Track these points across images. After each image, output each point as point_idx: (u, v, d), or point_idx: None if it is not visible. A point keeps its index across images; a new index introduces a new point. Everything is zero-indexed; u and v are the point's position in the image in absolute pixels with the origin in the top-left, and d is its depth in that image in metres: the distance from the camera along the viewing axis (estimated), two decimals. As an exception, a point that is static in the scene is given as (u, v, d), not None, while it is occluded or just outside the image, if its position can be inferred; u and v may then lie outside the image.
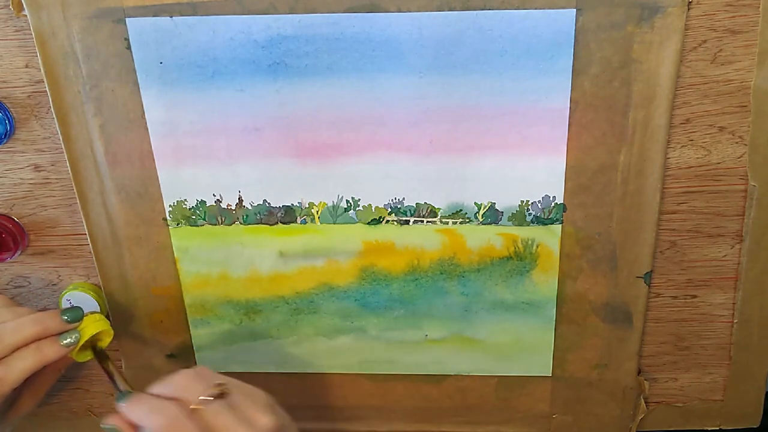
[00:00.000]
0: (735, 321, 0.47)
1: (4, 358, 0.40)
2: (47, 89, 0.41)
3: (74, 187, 0.44)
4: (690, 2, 0.38)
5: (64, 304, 0.48)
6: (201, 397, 0.37)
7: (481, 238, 0.45)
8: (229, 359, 0.50)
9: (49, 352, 0.41)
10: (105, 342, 0.45)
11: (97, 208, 0.45)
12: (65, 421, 0.54)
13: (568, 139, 0.41)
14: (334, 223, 0.45)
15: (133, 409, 0.37)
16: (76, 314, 0.43)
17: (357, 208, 0.44)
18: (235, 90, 0.41)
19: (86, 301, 0.48)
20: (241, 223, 0.45)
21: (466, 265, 0.46)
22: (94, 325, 0.43)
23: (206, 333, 0.49)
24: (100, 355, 0.44)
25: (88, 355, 0.45)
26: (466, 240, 0.45)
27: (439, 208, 0.44)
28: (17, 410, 0.45)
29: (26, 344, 0.41)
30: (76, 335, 0.42)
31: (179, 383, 0.38)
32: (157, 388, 0.38)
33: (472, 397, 0.51)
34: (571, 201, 0.43)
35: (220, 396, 0.38)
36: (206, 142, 0.43)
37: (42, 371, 0.45)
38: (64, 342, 0.42)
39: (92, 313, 0.44)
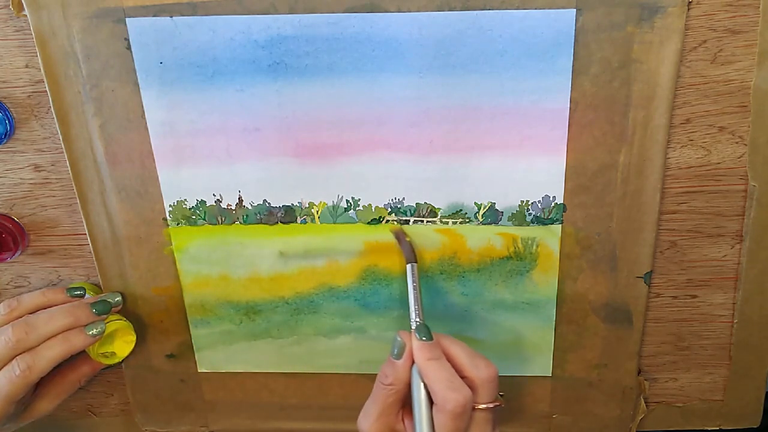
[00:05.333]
0: (735, 321, 0.47)
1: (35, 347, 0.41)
2: (47, 89, 0.41)
3: (74, 187, 0.44)
4: (690, 2, 0.38)
5: None
6: (489, 404, 0.37)
7: (481, 238, 0.45)
8: (229, 359, 0.50)
9: (77, 341, 0.42)
10: (124, 349, 0.46)
11: (97, 208, 0.45)
12: (65, 421, 0.54)
13: (568, 139, 0.41)
14: (335, 223, 0.45)
15: (428, 364, 0.37)
16: (104, 307, 0.44)
17: (357, 208, 0.44)
18: (235, 90, 0.41)
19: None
20: (241, 223, 0.45)
21: (466, 265, 0.46)
22: (117, 323, 0.45)
23: (206, 333, 0.49)
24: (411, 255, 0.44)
25: (115, 358, 0.46)
26: (466, 240, 0.45)
27: (439, 208, 0.44)
28: (31, 412, 0.45)
29: (56, 334, 0.41)
30: (102, 326, 0.43)
31: (488, 377, 0.38)
32: (468, 357, 0.38)
33: (472, 397, 0.51)
34: (571, 201, 0.43)
35: (496, 407, 0.38)
36: (206, 142, 0.43)
37: (64, 377, 0.46)
38: (90, 332, 0.42)
39: (115, 313, 0.46)
